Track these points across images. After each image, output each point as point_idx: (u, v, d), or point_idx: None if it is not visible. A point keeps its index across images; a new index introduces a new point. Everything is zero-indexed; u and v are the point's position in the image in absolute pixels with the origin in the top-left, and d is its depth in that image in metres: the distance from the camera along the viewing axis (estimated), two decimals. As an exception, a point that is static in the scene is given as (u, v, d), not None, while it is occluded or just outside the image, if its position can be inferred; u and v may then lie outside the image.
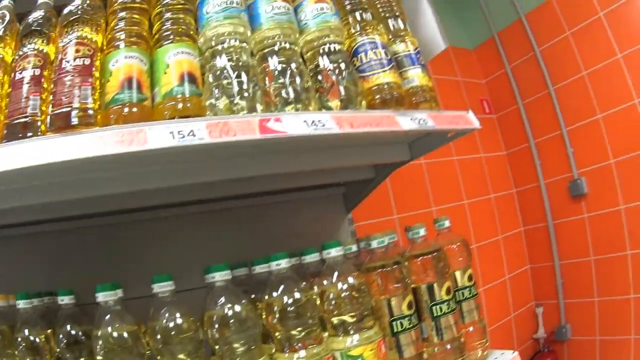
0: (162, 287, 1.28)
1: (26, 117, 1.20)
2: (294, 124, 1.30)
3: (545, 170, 4.14)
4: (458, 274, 1.78)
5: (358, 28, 1.69)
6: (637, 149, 3.56)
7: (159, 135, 1.14)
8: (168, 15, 1.44)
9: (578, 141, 3.91)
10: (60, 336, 1.32)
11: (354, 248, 1.67)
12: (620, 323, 3.67)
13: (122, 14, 1.39)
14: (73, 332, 1.32)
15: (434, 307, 1.65)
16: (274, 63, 1.46)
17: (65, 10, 1.34)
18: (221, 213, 2.14)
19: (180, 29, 1.43)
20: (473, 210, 3.91)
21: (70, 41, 1.27)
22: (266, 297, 1.41)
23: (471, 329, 1.77)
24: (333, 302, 1.43)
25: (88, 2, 1.36)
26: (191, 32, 1.45)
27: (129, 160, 1.25)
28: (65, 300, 1.36)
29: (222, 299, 1.32)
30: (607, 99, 3.71)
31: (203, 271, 1.46)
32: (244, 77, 1.37)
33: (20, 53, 1.30)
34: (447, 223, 1.83)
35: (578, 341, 3.98)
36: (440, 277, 1.66)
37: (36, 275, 1.79)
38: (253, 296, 1.56)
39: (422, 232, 1.70)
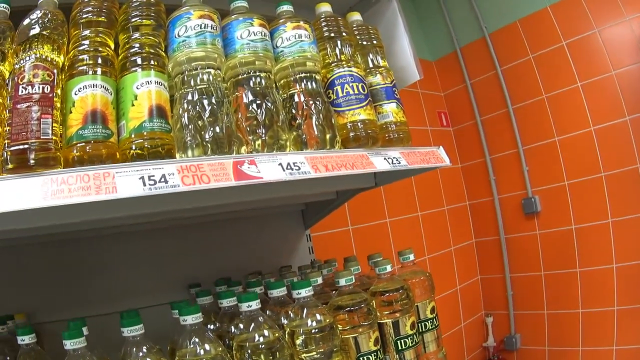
0: (132, 332, 1.22)
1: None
2: (269, 168, 1.25)
3: (500, 185, 4.18)
4: (421, 306, 1.79)
5: (336, 58, 1.65)
6: (591, 173, 3.63)
7: (129, 183, 1.05)
8: (136, 36, 1.33)
9: (534, 160, 3.95)
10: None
11: (319, 280, 1.64)
12: (568, 335, 3.74)
13: (86, 32, 1.27)
14: None
15: (398, 341, 1.64)
16: (247, 96, 1.40)
17: (23, 24, 1.19)
18: (182, 228, 2.08)
19: (150, 54, 1.31)
20: (427, 221, 3.91)
21: (28, 63, 1.13)
22: (237, 334, 1.37)
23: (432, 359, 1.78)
24: (302, 340, 1.39)
25: (49, 16, 1.21)
26: (161, 57, 1.35)
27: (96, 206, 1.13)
28: (25, 340, 1.28)
29: (194, 340, 1.27)
30: (565, 124, 3.76)
31: (172, 308, 1.42)
32: (217, 112, 1.30)
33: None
34: (411, 256, 1.83)
35: (527, 351, 4.04)
36: (405, 313, 1.64)
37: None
38: (218, 325, 1.56)
39: (388, 268, 1.69)
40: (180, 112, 1.30)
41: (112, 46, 1.32)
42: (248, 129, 1.37)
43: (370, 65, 1.79)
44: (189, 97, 1.31)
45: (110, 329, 1.28)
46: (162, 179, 1.09)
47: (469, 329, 4.11)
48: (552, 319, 3.88)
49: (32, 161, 1.04)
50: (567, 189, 3.75)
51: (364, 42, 1.80)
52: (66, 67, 1.22)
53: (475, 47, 4.22)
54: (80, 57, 1.23)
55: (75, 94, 1.18)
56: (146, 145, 1.20)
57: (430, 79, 4.43)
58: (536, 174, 3.93)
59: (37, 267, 1.77)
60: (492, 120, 4.17)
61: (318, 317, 1.41)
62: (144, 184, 1.06)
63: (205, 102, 1.30)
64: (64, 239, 1.79)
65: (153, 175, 1.09)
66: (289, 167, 1.27)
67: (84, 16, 1.28)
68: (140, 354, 1.22)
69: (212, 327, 1.58)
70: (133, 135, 1.21)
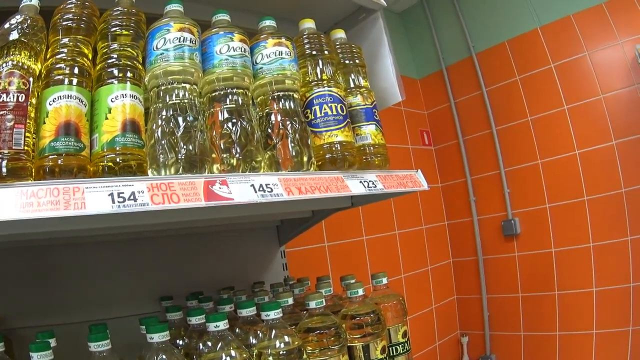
0: (99, 347, 1.20)
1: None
2: (241, 189, 1.22)
3: (480, 206, 4.17)
4: (392, 330, 1.76)
5: (316, 77, 1.63)
6: (572, 197, 3.64)
7: (98, 199, 1.03)
8: (114, 46, 1.30)
9: (515, 182, 3.96)
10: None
11: (290, 301, 1.61)
12: (545, 357, 3.74)
13: (65, 40, 1.25)
14: None
15: (368, 366, 1.61)
16: (223, 114, 1.38)
17: (3, 28, 1.15)
18: (156, 239, 2.05)
19: (127, 66, 1.28)
20: (404, 240, 3.90)
21: (4, 70, 1.10)
22: (204, 352, 1.34)
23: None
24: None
25: (29, 22, 1.18)
26: (138, 70, 1.32)
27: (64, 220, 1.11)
28: None
29: (160, 358, 1.25)
30: (549, 146, 3.76)
31: (140, 323, 1.39)
32: (190, 129, 1.28)
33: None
34: (384, 280, 1.80)
35: (503, 371, 4.06)
36: (376, 337, 1.62)
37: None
38: (186, 341, 1.53)
39: (360, 292, 1.66)
40: (154, 127, 1.27)
41: (90, 55, 1.30)
42: (222, 147, 1.35)
43: (352, 85, 1.77)
44: (164, 113, 1.28)
45: (81, 338, 1.24)
46: (132, 197, 1.07)
47: (443, 348, 4.09)
48: (528, 340, 3.88)
49: (3, 171, 1.02)
50: (548, 212, 3.76)
51: (347, 61, 1.78)
52: (43, 75, 1.20)
53: (462, 67, 4.22)
54: (58, 65, 1.20)
55: (50, 104, 1.15)
56: (118, 161, 1.18)
57: (414, 97, 4.43)
58: (517, 196, 3.94)
59: (8, 272, 1.73)
60: (475, 141, 4.17)
61: (286, 339, 1.38)
62: (113, 201, 1.04)
63: (180, 118, 1.28)
64: (36, 245, 1.77)
65: (122, 192, 1.06)
66: (261, 189, 1.25)
67: (63, 23, 1.26)
68: None
69: (180, 342, 1.56)
70: (105, 150, 1.18)
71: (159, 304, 1.90)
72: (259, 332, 1.45)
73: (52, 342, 1.24)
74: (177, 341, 1.56)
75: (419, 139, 4.33)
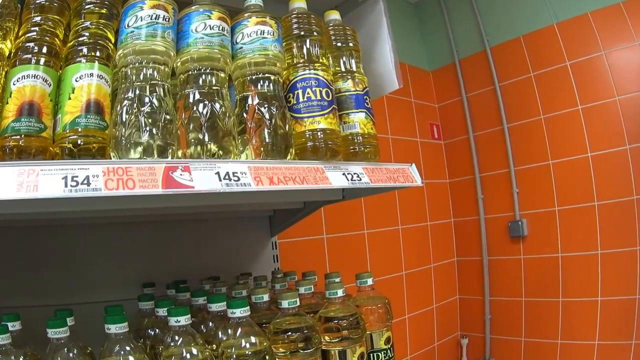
0: (57, 334, 1.18)
1: None
2: (204, 177, 1.14)
3: (487, 205, 4.08)
4: (375, 335, 1.67)
5: (302, 59, 1.54)
6: (582, 201, 3.53)
7: (50, 182, 0.98)
8: (86, 24, 1.26)
9: (525, 183, 3.86)
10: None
11: (265, 298, 1.52)
12: (545, 364, 3.67)
13: (37, 18, 1.22)
14: None
15: (344, 373, 1.52)
16: (194, 95, 1.29)
17: None
18: (141, 224, 2.00)
19: (96, 45, 1.24)
20: (407, 235, 3.82)
21: None
22: (167, 346, 1.27)
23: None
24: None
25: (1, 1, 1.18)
26: (108, 49, 1.26)
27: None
28: None
29: (117, 349, 1.20)
30: (561, 147, 3.66)
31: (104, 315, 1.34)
32: (156, 111, 1.20)
33: None
34: (369, 281, 1.71)
35: (501, 376, 3.99)
36: (354, 342, 1.52)
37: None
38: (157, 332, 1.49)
39: (340, 293, 1.56)
40: (118, 108, 1.20)
41: (62, 35, 1.27)
42: (190, 131, 1.26)
43: (343, 69, 1.67)
44: (129, 94, 1.21)
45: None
46: (85, 181, 1.02)
47: (442, 349, 4.03)
48: (529, 346, 3.80)
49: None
50: (556, 215, 3.66)
51: (339, 44, 1.68)
52: (12, 54, 1.19)
53: (475, 60, 4.13)
54: (26, 45, 1.19)
55: (14, 84, 1.14)
56: (78, 142, 1.14)
57: (425, 89, 4.35)
58: (526, 196, 3.84)
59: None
60: (486, 137, 4.08)
61: (253, 339, 1.31)
62: (66, 185, 1.00)
63: (145, 99, 1.20)
64: (18, 226, 1.75)
65: (77, 176, 1.02)
66: (226, 177, 1.17)
67: (37, 1, 1.24)
68: (68, 355, 1.19)
69: (152, 332, 1.51)
70: (67, 130, 1.15)
71: (141, 290, 1.85)
72: (228, 329, 1.38)
73: (17, 324, 1.22)
74: (149, 331, 1.52)
75: (428, 132, 4.25)
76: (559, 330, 3.61)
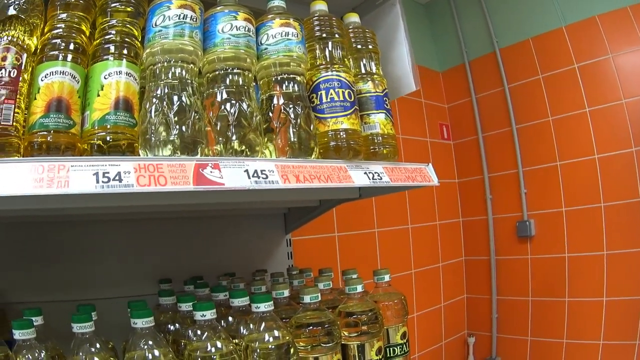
0: (82, 329, 1.18)
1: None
2: (233, 174, 1.16)
3: (496, 205, 4.10)
4: (391, 330, 1.70)
5: (324, 61, 1.56)
6: (590, 202, 3.55)
7: (82, 178, 0.99)
8: (112, 22, 1.27)
9: (533, 183, 3.87)
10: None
11: (286, 293, 1.55)
12: (550, 364, 3.69)
13: (63, 15, 1.22)
14: None
15: (362, 367, 1.55)
16: (222, 95, 1.32)
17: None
18: (158, 220, 2.02)
19: (123, 43, 1.25)
20: (417, 234, 3.84)
21: (0, 45, 1.10)
22: (191, 341, 1.30)
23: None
24: (257, 356, 1.30)
25: None
26: (135, 47, 1.27)
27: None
28: None
29: (143, 344, 1.21)
30: (569, 149, 3.68)
31: (128, 307, 1.35)
32: (185, 109, 1.22)
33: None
34: (387, 277, 1.73)
35: (506, 375, 4.01)
36: (373, 337, 1.56)
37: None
38: (178, 327, 1.51)
39: (359, 288, 1.59)
40: (147, 106, 1.22)
41: (87, 32, 1.27)
42: (218, 129, 1.29)
43: (363, 70, 1.70)
44: (158, 92, 1.23)
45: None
46: (117, 177, 1.03)
47: (449, 347, 4.04)
48: (535, 345, 3.82)
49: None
50: (564, 215, 3.67)
51: (359, 46, 1.71)
52: (38, 50, 1.19)
53: (485, 62, 4.14)
54: (53, 41, 1.19)
55: (42, 80, 1.14)
56: (108, 139, 1.15)
57: (435, 89, 4.36)
58: (534, 197, 3.86)
59: (6, 245, 1.72)
60: (495, 138, 4.09)
61: (276, 333, 1.33)
62: (97, 181, 1.01)
63: (175, 97, 1.22)
64: (38, 222, 1.76)
65: (108, 172, 1.03)
66: (255, 175, 1.19)
67: None
68: (92, 349, 1.19)
69: (172, 327, 1.53)
70: (96, 127, 1.16)
71: (157, 286, 1.87)
72: (250, 324, 1.40)
73: (39, 319, 1.22)
74: (169, 326, 1.53)
75: (438, 132, 4.26)
76: (565, 330, 3.62)
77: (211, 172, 1.14)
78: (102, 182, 1.01)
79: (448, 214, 4.22)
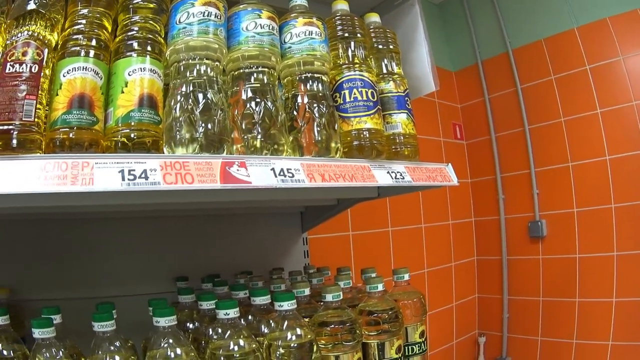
0: (103, 327, 1.17)
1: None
2: (260, 173, 1.16)
3: (508, 205, 4.09)
4: (410, 329, 1.70)
5: (347, 60, 1.56)
6: (601, 203, 3.55)
7: (107, 175, 0.99)
8: (135, 19, 1.26)
9: (545, 184, 3.87)
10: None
11: (306, 292, 1.55)
12: (560, 364, 3.68)
13: (84, 11, 1.21)
14: (5, 352, 1.18)
15: (382, 365, 1.55)
16: (246, 93, 1.32)
17: None
18: (175, 218, 2.03)
19: (147, 39, 1.24)
20: (430, 234, 3.85)
21: (20, 40, 1.08)
22: (213, 339, 1.30)
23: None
24: (280, 354, 1.31)
25: None
26: (159, 44, 1.27)
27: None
28: None
29: (166, 342, 1.21)
30: (580, 150, 3.68)
31: (149, 305, 1.38)
32: (211, 107, 1.22)
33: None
34: (406, 276, 1.74)
35: (516, 375, 4.00)
36: (393, 335, 1.56)
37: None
38: (197, 325, 1.51)
39: (380, 287, 1.60)
40: (172, 103, 1.22)
41: (110, 28, 1.26)
42: (243, 127, 1.29)
43: (384, 70, 1.70)
44: (183, 89, 1.23)
45: (89, 314, 1.21)
46: (143, 175, 1.03)
47: (460, 346, 4.05)
48: (545, 345, 3.82)
49: (14, 143, 0.99)
50: (575, 216, 3.67)
51: (380, 46, 1.71)
52: (59, 46, 1.17)
53: (497, 62, 4.14)
54: (74, 37, 1.17)
55: (64, 76, 1.12)
56: (132, 136, 1.14)
57: (448, 89, 4.36)
58: (545, 197, 3.85)
59: (23, 243, 1.72)
60: (507, 138, 4.09)
61: (298, 331, 1.33)
62: (123, 179, 1.00)
63: (200, 95, 1.22)
64: (52, 218, 1.75)
65: (134, 170, 1.02)
66: (281, 174, 1.19)
67: None
68: (111, 348, 1.18)
69: (191, 325, 1.54)
70: (120, 124, 1.15)
71: (174, 284, 1.88)
72: (271, 321, 1.41)
73: (58, 317, 1.22)
74: (188, 324, 1.53)
75: (451, 132, 4.26)
76: (575, 330, 3.62)
77: (238, 170, 1.14)
78: (128, 179, 1.00)
79: (461, 214, 4.22)
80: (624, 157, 3.44)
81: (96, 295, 1.62)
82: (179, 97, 1.22)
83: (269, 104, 1.31)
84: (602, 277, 3.50)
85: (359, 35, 1.61)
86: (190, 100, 1.21)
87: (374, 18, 1.77)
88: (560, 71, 3.78)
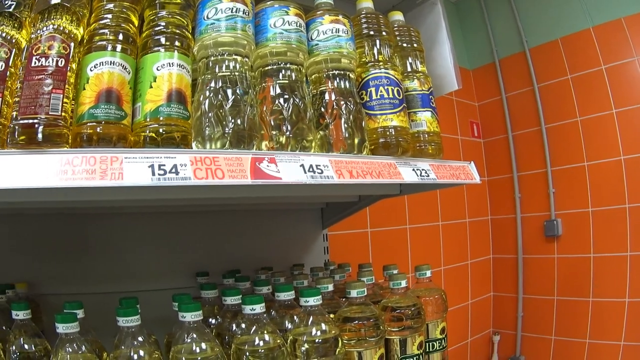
0: (128, 322, 1.17)
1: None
2: (290, 169, 1.17)
3: (524, 204, 4.09)
4: (431, 325, 1.71)
5: (373, 58, 1.57)
6: (615, 203, 3.55)
7: (137, 170, 0.99)
8: (162, 14, 1.25)
9: (561, 183, 3.87)
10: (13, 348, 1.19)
11: (330, 287, 1.55)
12: (573, 363, 3.68)
13: (110, 5, 1.20)
14: (26, 346, 1.20)
15: (403, 360, 1.56)
16: (275, 89, 1.33)
17: None
18: (195, 213, 2.03)
19: (175, 34, 1.24)
20: (447, 232, 3.86)
21: (45, 33, 1.06)
22: (237, 334, 1.31)
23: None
24: (305, 350, 1.31)
25: None
26: (187, 39, 1.27)
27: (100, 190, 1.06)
28: (20, 315, 1.20)
29: (191, 337, 1.21)
30: (596, 149, 3.68)
31: (173, 300, 1.38)
32: (240, 103, 1.22)
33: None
34: (428, 273, 1.75)
35: (529, 374, 4.00)
36: (415, 332, 1.57)
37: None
38: (219, 320, 1.50)
39: (403, 283, 1.61)
40: (201, 99, 1.23)
41: (136, 23, 1.26)
42: (272, 123, 1.30)
43: (409, 69, 1.71)
44: (212, 84, 1.24)
45: (111, 308, 1.22)
46: (173, 170, 1.03)
47: (475, 345, 4.05)
48: (558, 345, 3.83)
49: (39, 137, 0.98)
50: (590, 215, 3.68)
51: (404, 44, 1.72)
52: (85, 41, 1.16)
53: (514, 61, 4.14)
54: (101, 31, 1.16)
55: (91, 70, 1.11)
56: (161, 131, 1.13)
57: (466, 87, 4.33)
58: (561, 196, 3.86)
59: (43, 237, 1.73)
60: (524, 137, 4.09)
61: (324, 327, 1.33)
62: (153, 173, 1.00)
63: (229, 91, 1.23)
64: (73, 213, 1.76)
65: (164, 165, 1.02)
66: (310, 170, 1.20)
67: None
68: (134, 343, 1.18)
69: (213, 321, 1.53)
70: (148, 119, 1.14)
71: (194, 279, 1.88)
72: (295, 317, 1.41)
73: (80, 312, 1.21)
74: (210, 320, 1.53)
75: (468, 130, 4.27)
76: (588, 330, 3.63)
77: (268, 166, 1.14)
78: (159, 174, 1.00)
79: (477, 212, 4.22)
80: (638, 158, 3.45)
81: (114, 290, 1.64)
82: (208, 93, 1.23)
83: (298, 100, 1.32)
84: (615, 277, 3.50)
85: (384, 33, 1.61)
86: (219, 95, 1.22)
87: (398, 16, 1.78)
88: (576, 70, 3.78)
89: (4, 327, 1.30)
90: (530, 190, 4.05)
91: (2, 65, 1.04)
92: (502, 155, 4.21)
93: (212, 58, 1.27)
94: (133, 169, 0.99)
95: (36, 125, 0.98)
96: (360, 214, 2.84)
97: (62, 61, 1.05)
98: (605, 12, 3.61)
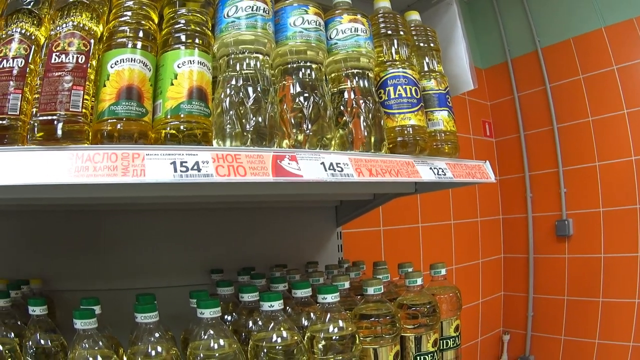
0: (146, 319, 1.17)
1: (3, 119, 0.99)
2: (310, 167, 1.17)
3: (535, 204, 4.09)
4: (446, 323, 1.71)
5: (391, 57, 1.58)
6: (626, 203, 3.55)
7: (158, 167, 0.99)
8: (182, 11, 1.26)
9: (572, 183, 3.87)
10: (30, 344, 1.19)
11: (347, 285, 1.56)
12: (583, 363, 3.68)
13: (130, 2, 1.21)
14: (43, 342, 1.19)
15: (418, 357, 1.58)
16: (295, 87, 1.34)
17: None
18: (210, 210, 2.03)
19: (195, 32, 1.24)
20: (459, 231, 3.86)
21: (64, 30, 1.07)
22: (254, 331, 1.32)
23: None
24: (322, 347, 1.32)
25: None
26: (207, 36, 1.27)
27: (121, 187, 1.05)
28: (36, 311, 1.21)
29: (209, 334, 1.22)
30: (607, 150, 3.68)
31: (190, 297, 1.39)
32: (261, 101, 1.23)
33: (3, 35, 1.07)
34: (443, 271, 1.76)
35: (538, 374, 4.00)
36: (430, 329, 1.58)
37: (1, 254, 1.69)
38: (235, 317, 1.52)
39: (419, 281, 1.62)
40: (222, 96, 1.23)
41: (156, 20, 1.26)
42: (292, 121, 1.30)
43: (426, 68, 1.71)
44: (233, 82, 1.24)
45: (126, 305, 1.24)
46: (195, 167, 1.03)
47: (484, 344, 4.05)
48: (568, 345, 3.82)
49: (59, 133, 0.99)
50: (601, 215, 3.67)
51: (421, 44, 1.72)
52: (104, 38, 1.17)
53: (527, 60, 4.13)
54: (121, 28, 1.17)
55: (112, 67, 1.12)
56: (182, 128, 1.14)
57: (478, 86, 4.30)
58: (573, 196, 3.85)
59: (58, 233, 1.74)
60: (536, 137, 4.09)
61: (341, 324, 1.34)
62: (175, 170, 1.01)
63: (250, 89, 1.23)
64: (87, 210, 1.77)
65: (186, 162, 1.03)
66: (331, 168, 1.21)
67: None
68: (152, 339, 1.18)
69: (229, 318, 1.54)
70: (169, 116, 1.14)
71: (208, 276, 1.89)
72: (312, 314, 1.42)
73: (97, 309, 1.22)
74: (225, 316, 1.53)
75: (480, 129, 4.27)
76: (597, 330, 3.62)
77: (289, 163, 1.15)
78: (181, 171, 1.01)
79: (489, 211, 4.22)
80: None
81: (128, 287, 1.65)
82: (229, 90, 1.23)
83: (317, 98, 1.33)
84: (625, 278, 3.50)
85: (401, 32, 1.62)
86: (240, 93, 1.22)
87: (415, 16, 1.78)
88: (588, 70, 3.78)
89: (19, 323, 1.31)
90: (541, 190, 4.04)
91: (21, 62, 1.05)
92: (514, 154, 4.21)
93: (233, 56, 1.28)
94: (155, 166, 0.99)
95: (55, 122, 0.99)
96: (373, 213, 2.85)
97: (82, 58, 1.05)
98: (617, 13, 3.60)
